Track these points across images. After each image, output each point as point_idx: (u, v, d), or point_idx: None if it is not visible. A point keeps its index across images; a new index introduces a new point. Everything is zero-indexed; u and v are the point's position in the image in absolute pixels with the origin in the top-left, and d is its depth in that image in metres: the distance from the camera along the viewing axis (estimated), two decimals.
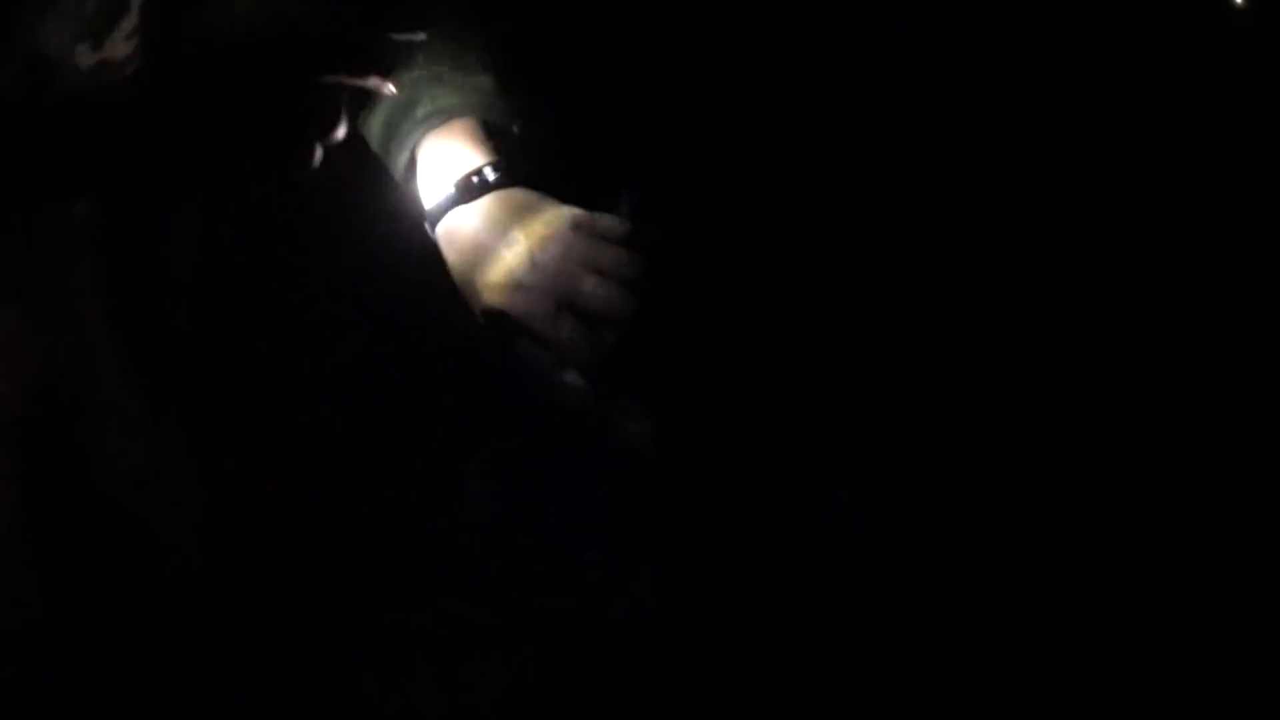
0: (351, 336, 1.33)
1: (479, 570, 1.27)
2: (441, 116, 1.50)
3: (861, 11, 1.37)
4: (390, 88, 1.07)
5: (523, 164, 1.49)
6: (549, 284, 1.43)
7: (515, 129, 1.52)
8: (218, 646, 1.07)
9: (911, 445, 1.38)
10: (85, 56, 0.93)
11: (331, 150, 1.06)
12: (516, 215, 1.46)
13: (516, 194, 1.47)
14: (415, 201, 1.51)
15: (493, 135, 1.51)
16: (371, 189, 1.47)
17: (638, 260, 1.45)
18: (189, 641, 1.05)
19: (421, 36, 1.05)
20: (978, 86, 1.34)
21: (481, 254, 1.46)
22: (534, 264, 1.44)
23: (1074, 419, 1.34)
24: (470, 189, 1.48)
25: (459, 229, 1.48)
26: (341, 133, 1.05)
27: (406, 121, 1.51)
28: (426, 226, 1.51)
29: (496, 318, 1.47)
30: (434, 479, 1.30)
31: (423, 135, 1.50)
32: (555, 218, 1.46)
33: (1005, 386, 1.35)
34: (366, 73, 1.04)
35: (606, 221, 1.47)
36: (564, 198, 1.49)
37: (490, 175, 1.48)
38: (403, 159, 1.52)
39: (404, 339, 1.39)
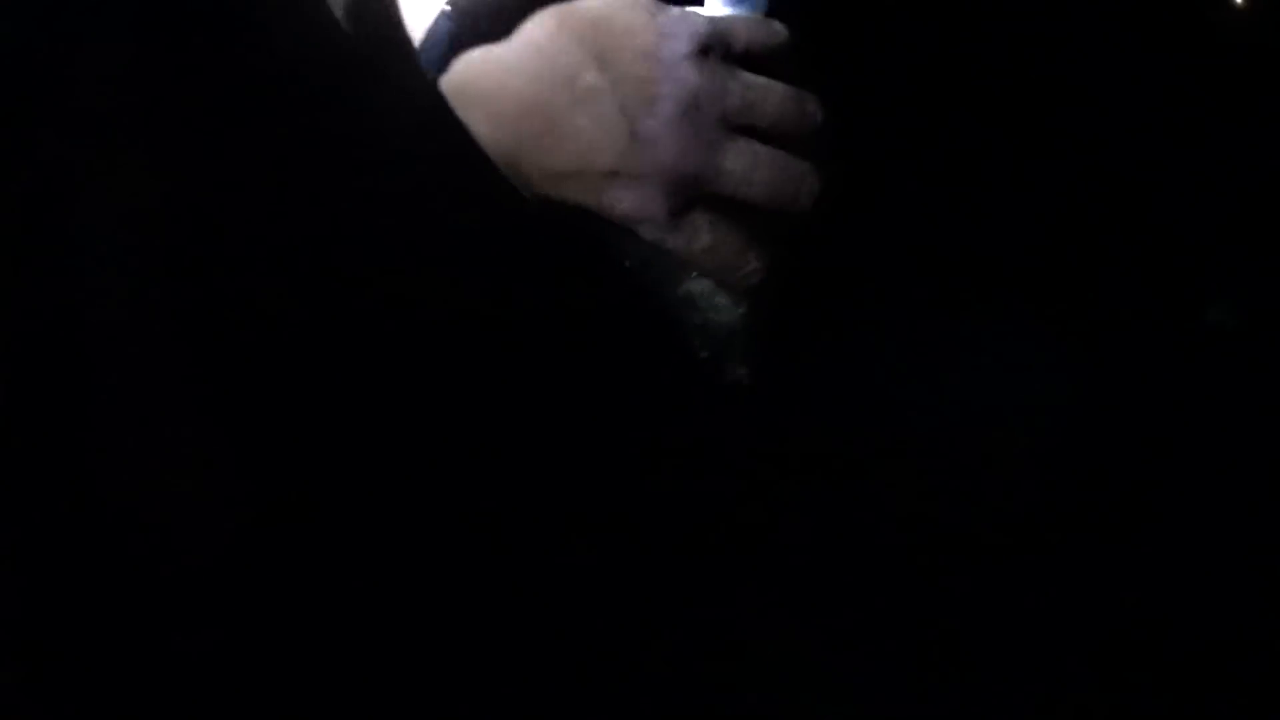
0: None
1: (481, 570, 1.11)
2: None
3: None
4: None
5: None
6: (668, 163, 0.89)
7: None
8: (222, 647, 1.00)
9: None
10: None
11: None
12: (585, 41, 0.90)
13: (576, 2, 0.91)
14: (386, 34, 0.88)
15: None
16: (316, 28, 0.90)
17: (810, 102, 0.92)
18: (193, 641, 0.99)
19: None
20: (975, 86, 1.24)
21: (539, 123, 0.90)
22: (636, 136, 0.89)
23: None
24: (484, 7, 0.90)
25: (484, 81, 0.90)
26: None
27: None
28: (427, 75, 0.91)
29: (575, 218, 0.91)
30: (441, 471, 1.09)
31: None
32: (657, 38, 0.89)
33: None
34: None
35: (744, 25, 0.91)
36: None
37: None
38: None
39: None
